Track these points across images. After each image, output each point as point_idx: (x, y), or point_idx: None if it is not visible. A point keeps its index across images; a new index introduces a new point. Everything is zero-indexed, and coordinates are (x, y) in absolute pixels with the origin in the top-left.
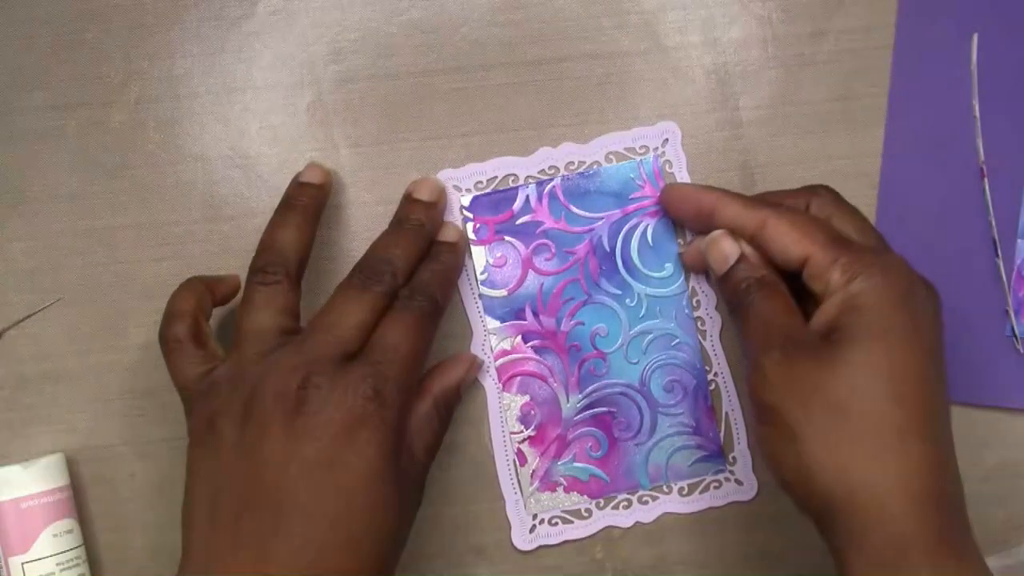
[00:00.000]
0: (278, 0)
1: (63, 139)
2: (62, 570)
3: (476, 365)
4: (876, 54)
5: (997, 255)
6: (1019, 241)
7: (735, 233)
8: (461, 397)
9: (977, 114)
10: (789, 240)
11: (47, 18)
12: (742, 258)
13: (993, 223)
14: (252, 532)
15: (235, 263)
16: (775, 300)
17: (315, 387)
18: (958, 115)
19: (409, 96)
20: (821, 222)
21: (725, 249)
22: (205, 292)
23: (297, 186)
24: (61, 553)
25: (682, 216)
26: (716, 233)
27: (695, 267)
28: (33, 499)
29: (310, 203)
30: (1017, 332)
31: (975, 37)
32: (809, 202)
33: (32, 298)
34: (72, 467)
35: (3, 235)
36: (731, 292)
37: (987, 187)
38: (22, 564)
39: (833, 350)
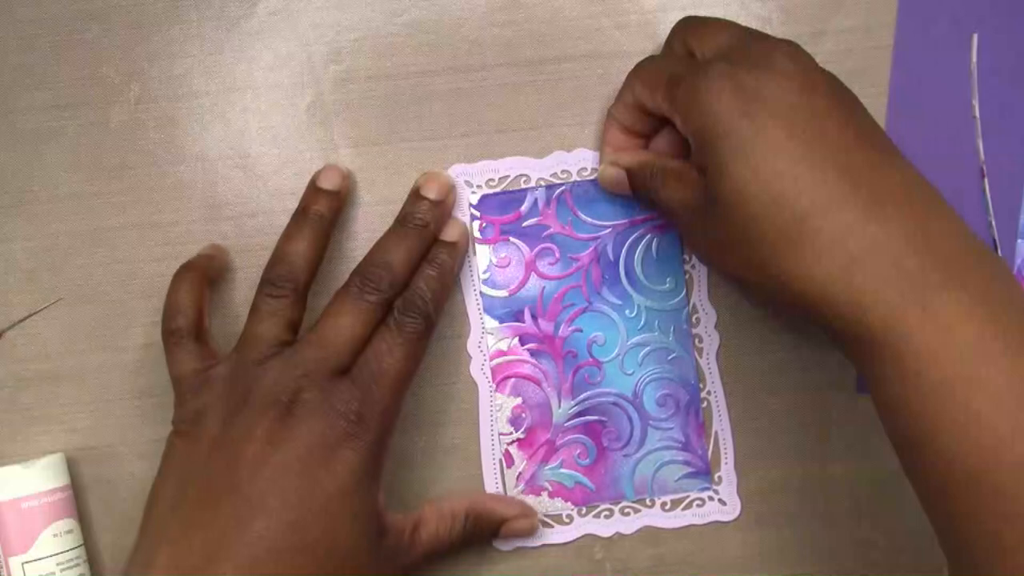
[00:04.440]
0: (278, 0)
1: (63, 139)
2: (62, 570)
3: (532, 524)
4: (876, 54)
5: (997, 255)
6: (1019, 241)
7: (615, 150)
8: (495, 535)
9: (977, 114)
10: (647, 100)
11: (47, 18)
12: (629, 172)
13: (993, 223)
14: (211, 519)
15: (235, 263)
16: (667, 182)
17: (302, 402)
18: (958, 115)
19: (409, 96)
20: (663, 67)
21: (612, 176)
22: (203, 284)
23: (314, 192)
24: (61, 553)
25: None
26: (599, 170)
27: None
28: (33, 499)
29: (326, 213)
30: None
31: (975, 37)
32: (672, 45)
33: (32, 298)
34: (72, 467)
35: (3, 235)
36: (644, 201)
37: (987, 187)
38: (22, 564)
39: (715, 193)
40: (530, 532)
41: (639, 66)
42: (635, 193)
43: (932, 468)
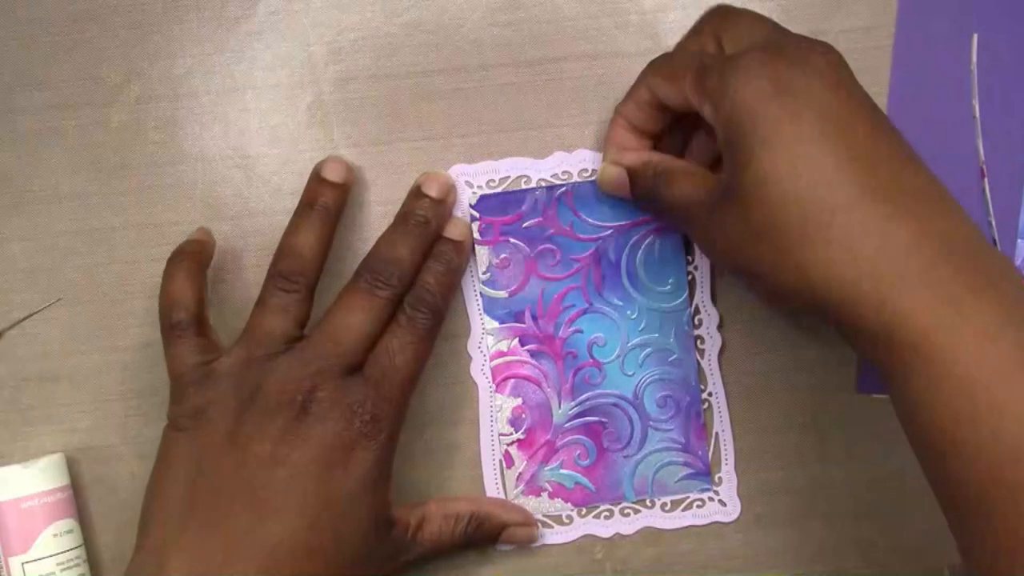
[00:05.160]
0: (278, 0)
1: (63, 139)
2: (62, 570)
3: (532, 533)
4: (876, 54)
5: None
6: (1019, 241)
7: (618, 152)
8: (495, 540)
9: (977, 114)
10: (667, 92)
11: (47, 18)
12: (631, 172)
13: (993, 223)
14: (225, 521)
15: (235, 263)
16: (673, 180)
17: (317, 401)
18: (958, 115)
19: (409, 96)
20: (687, 58)
21: (613, 176)
22: (201, 273)
23: (319, 183)
24: (61, 553)
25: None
26: (600, 170)
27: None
28: (33, 499)
29: (332, 205)
30: None
31: (975, 37)
32: (701, 31)
33: (32, 298)
34: (72, 467)
35: (3, 235)
36: (644, 202)
37: (987, 187)
38: (22, 564)
39: (737, 183)
40: (530, 541)
41: (657, 61)
42: (634, 194)
43: (956, 471)
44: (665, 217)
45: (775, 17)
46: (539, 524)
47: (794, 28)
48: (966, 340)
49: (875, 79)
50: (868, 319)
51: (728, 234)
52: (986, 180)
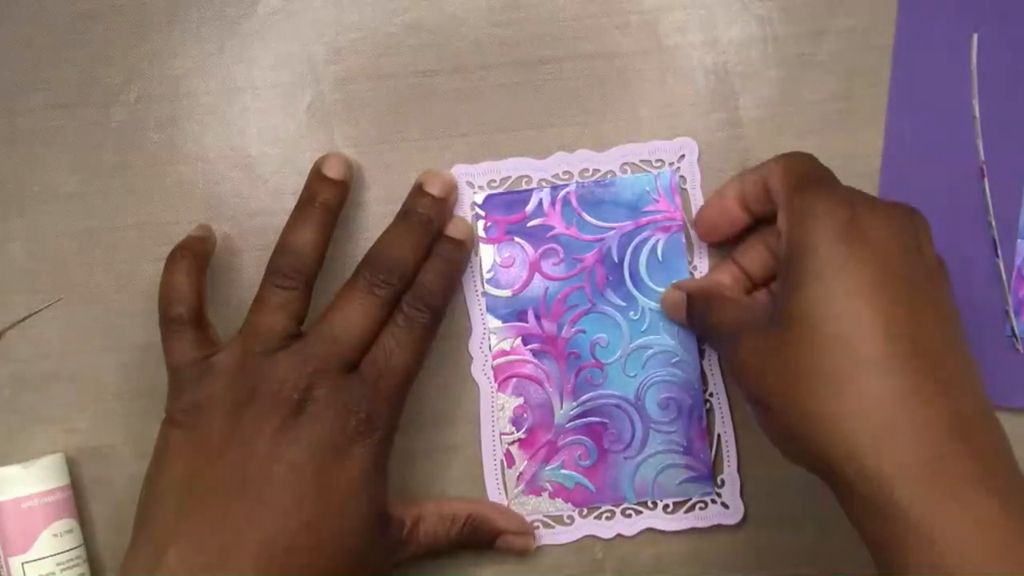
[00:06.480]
0: (278, 0)
1: (63, 139)
2: (62, 570)
3: (527, 543)
4: (876, 54)
5: (997, 255)
6: (1019, 241)
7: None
8: (491, 544)
9: (977, 114)
10: (775, 183)
11: (48, 19)
12: (690, 296)
13: (993, 223)
14: (223, 518)
15: (235, 263)
16: (722, 305)
17: (314, 400)
18: (958, 115)
19: (409, 96)
20: (807, 164)
21: (674, 299)
22: (200, 268)
23: (319, 180)
24: (61, 553)
25: (721, 228)
26: (664, 292)
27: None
28: (33, 499)
29: (331, 201)
30: (1017, 332)
31: (975, 37)
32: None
33: (32, 298)
34: (72, 467)
35: (3, 235)
36: (695, 323)
37: (987, 187)
38: (22, 564)
39: (781, 307)
40: (524, 550)
41: (793, 154)
42: (688, 315)
43: None
44: (708, 338)
45: (775, 17)
46: (535, 532)
47: (794, 28)
48: (961, 530)
49: (875, 79)
50: (865, 489)
51: (757, 357)
52: (986, 180)
